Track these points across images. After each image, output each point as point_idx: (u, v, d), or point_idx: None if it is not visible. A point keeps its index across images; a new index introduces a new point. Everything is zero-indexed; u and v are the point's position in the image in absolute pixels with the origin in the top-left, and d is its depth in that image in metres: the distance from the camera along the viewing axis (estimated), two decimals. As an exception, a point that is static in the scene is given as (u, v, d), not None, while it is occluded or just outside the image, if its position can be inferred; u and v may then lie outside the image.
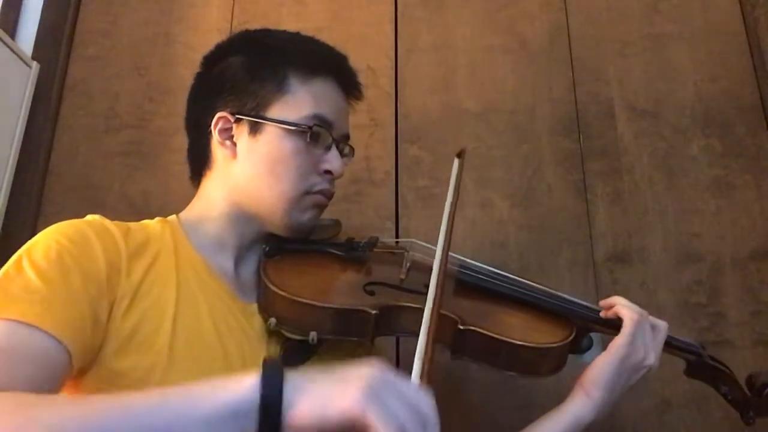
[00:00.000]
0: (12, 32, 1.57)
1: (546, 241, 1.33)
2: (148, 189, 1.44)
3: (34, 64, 1.51)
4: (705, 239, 1.31)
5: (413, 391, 0.55)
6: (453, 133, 1.42)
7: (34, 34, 1.58)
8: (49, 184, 1.48)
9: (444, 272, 0.79)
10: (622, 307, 0.88)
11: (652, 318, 0.89)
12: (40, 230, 0.76)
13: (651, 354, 0.86)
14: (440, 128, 1.43)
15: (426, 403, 0.54)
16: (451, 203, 0.89)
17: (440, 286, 0.77)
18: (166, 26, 1.59)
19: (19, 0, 1.61)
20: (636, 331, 0.85)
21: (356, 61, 1.49)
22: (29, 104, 1.49)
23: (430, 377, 0.62)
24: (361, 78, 1.50)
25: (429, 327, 0.70)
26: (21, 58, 1.48)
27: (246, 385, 0.53)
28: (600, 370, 0.84)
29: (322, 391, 0.53)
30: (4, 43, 1.42)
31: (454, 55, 1.49)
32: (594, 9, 1.50)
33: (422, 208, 1.37)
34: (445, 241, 0.83)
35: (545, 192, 1.37)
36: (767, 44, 1.39)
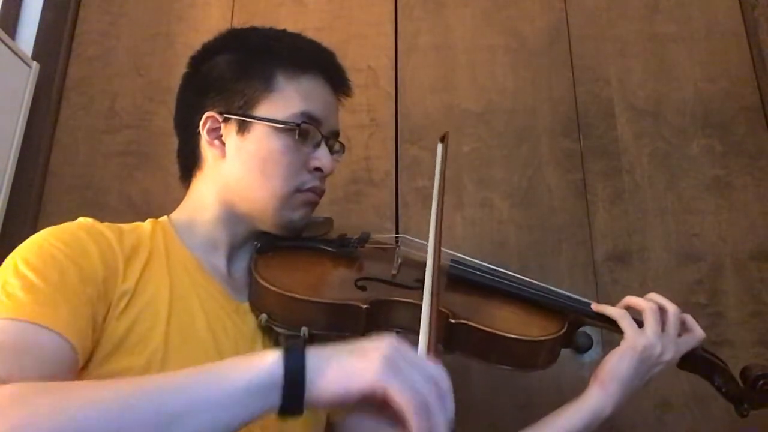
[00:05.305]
0: (12, 32, 1.57)
1: (546, 241, 1.33)
2: (148, 189, 1.44)
3: (34, 64, 1.51)
4: (705, 239, 1.31)
5: (427, 363, 0.58)
6: (453, 133, 1.42)
7: (34, 34, 1.58)
8: (49, 184, 1.48)
9: (439, 250, 0.80)
10: (636, 299, 0.89)
11: (690, 321, 0.89)
12: (40, 230, 0.75)
13: (669, 349, 0.85)
14: (440, 128, 1.42)
15: (440, 373, 0.56)
16: (439, 189, 0.89)
17: (438, 258, 0.77)
18: (166, 26, 1.59)
19: (19, 0, 1.61)
20: (653, 321, 0.85)
21: (356, 61, 1.51)
22: (29, 104, 1.49)
23: (436, 350, 0.65)
24: (361, 78, 1.50)
25: (431, 302, 0.71)
26: (21, 58, 1.48)
27: (269, 360, 0.55)
28: (614, 363, 0.85)
29: (343, 365, 0.55)
30: (4, 43, 1.42)
31: (454, 55, 1.49)
32: (594, 9, 1.50)
33: (422, 208, 1.37)
34: (436, 224, 0.83)
35: (545, 192, 1.37)
36: (767, 44, 1.39)
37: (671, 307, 0.88)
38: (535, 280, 0.97)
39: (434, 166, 0.96)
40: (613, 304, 0.92)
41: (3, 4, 1.57)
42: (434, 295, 0.72)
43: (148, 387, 0.55)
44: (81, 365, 0.68)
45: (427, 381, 0.55)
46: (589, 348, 1.20)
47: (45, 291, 0.67)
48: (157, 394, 0.54)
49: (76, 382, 0.61)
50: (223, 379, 0.55)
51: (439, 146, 0.98)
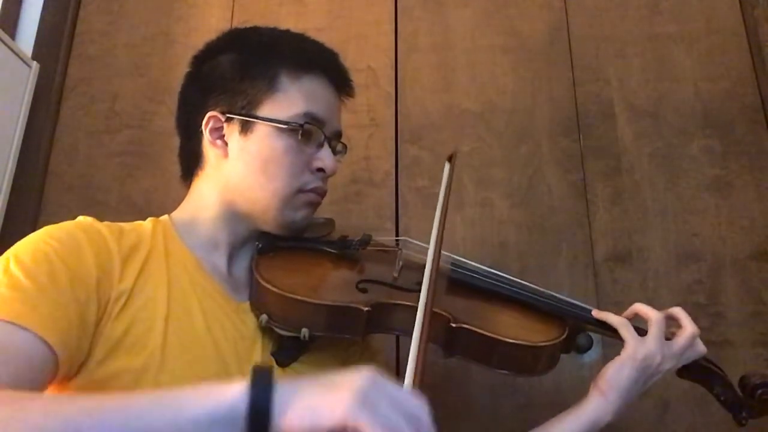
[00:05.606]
0: (12, 32, 1.57)
1: (546, 241, 1.33)
2: (148, 189, 1.44)
3: (34, 64, 1.52)
4: (705, 239, 1.31)
5: (405, 395, 0.54)
6: (453, 133, 1.42)
7: (34, 34, 1.58)
8: (49, 184, 1.48)
9: (435, 277, 0.79)
10: (644, 307, 0.89)
11: (698, 341, 0.89)
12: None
13: (670, 360, 0.86)
14: (440, 128, 1.43)
15: (418, 405, 0.53)
16: (443, 207, 0.88)
17: (432, 290, 0.76)
18: (166, 26, 1.59)
19: (19, 0, 1.61)
20: (657, 332, 0.86)
21: (356, 61, 1.51)
22: (29, 104, 1.49)
23: (423, 380, 0.62)
24: (361, 78, 1.50)
25: (422, 329, 0.70)
26: (21, 58, 1.48)
27: (235, 391, 0.52)
28: (614, 372, 0.85)
29: (312, 399, 0.51)
30: (4, 43, 1.42)
31: (454, 55, 1.49)
32: (594, 9, 1.50)
33: (422, 208, 1.37)
34: (436, 245, 0.83)
35: (545, 192, 1.37)
36: (767, 44, 1.39)
37: (690, 327, 0.87)
38: (535, 280, 0.97)
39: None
40: (613, 303, 0.92)
41: (3, 4, 1.57)
42: (424, 327, 0.71)
43: (105, 409, 0.53)
44: (65, 368, 0.67)
45: (405, 418, 0.50)
46: (589, 348, 1.20)
47: (29, 290, 0.66)
48: (114, 417, 0.52)
49: (36, 395, 0.60)
50: (183, 407, 0.52)
51: (446, 165, 0.97)
